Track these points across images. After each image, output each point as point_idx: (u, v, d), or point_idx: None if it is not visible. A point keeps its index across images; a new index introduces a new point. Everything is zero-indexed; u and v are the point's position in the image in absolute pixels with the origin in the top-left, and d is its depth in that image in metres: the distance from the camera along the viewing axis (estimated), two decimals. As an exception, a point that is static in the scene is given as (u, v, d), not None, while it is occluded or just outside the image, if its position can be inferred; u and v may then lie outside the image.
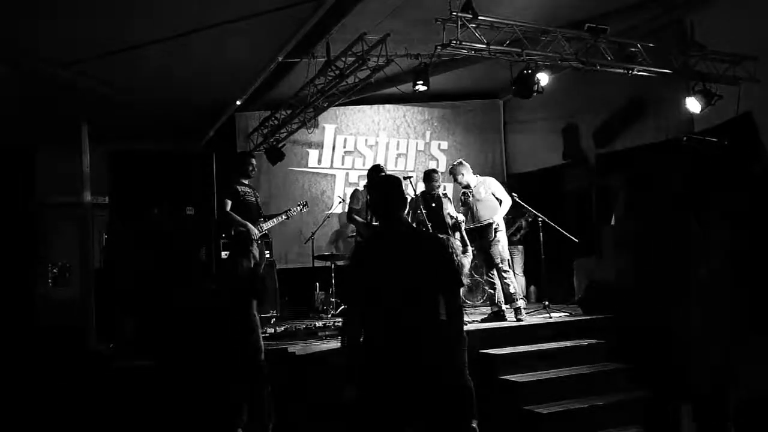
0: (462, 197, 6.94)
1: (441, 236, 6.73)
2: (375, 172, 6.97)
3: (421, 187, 7.39)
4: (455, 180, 6.99)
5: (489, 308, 6.84)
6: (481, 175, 7.20)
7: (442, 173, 7.89)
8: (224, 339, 4.89)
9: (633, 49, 6.43)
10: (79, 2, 6.03)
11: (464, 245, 6.66)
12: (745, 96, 6.69)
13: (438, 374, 2.87)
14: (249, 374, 4.83)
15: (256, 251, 6.47)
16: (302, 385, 5.19)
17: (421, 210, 7.07)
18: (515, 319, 6.50)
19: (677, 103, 7.24)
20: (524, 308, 7.32)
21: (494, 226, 6.63)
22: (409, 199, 7.23)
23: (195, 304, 5.40)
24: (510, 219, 7.95)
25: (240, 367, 4.82)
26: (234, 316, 4.92)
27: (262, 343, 5.05)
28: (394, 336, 2.87)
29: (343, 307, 6.72)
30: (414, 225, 6.82)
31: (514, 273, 8.02)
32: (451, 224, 6.91)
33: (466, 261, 6.56)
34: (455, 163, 7.08)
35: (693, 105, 6.79)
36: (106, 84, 7.72)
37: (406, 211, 6.96)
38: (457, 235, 6.86)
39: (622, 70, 6.48)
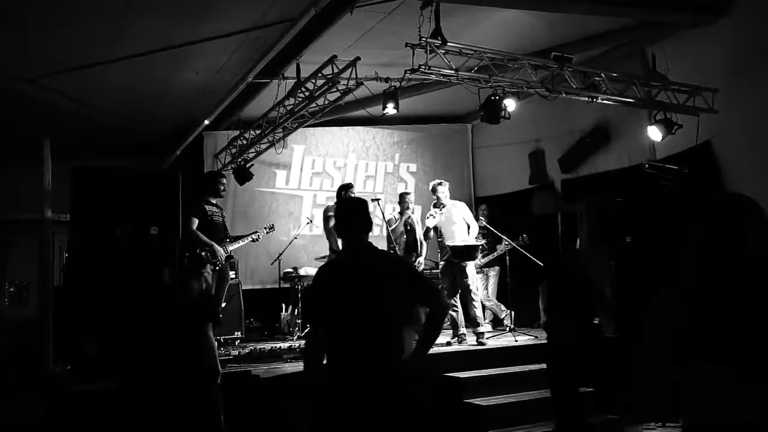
0: (431, 213, 6.93)
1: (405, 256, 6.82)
2: (344, 189, 6.96)
3: (389, 209, 7.38)
4: (435, 196, 6.93)
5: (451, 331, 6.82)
6: (451, 197, 7.24)
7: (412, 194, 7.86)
8: (174, 363, 4.71)
9: (597, 78, 6.58)
10: (43, 17, 5.96)
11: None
12: (705, 125, 6.90)
13: (403, 393, 2.86)
14: (201, 401, 4.68)
15: (209, 274, 6.32)
16: (265, 409, 5.10)
17: (393, 230, 7.09)
18: (476, 343, 6.52)
19: (640, 131, 7.44)
20: (489, 332, 7.36)
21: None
22: (382, 220, 7.26)
23: (143, 325, 5.21)
24: (488, 243, 7.99)
25: (192, 392, 4.66)
26: (183, 340, 4.76)
27: (219, 369, 4.91)
28: (358, 356, 2.86)
29: (307, 329, 6.65)
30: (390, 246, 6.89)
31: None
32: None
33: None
34: (438, 182, 7.03)
35: (654, 134, 6.98)
36: (70, 100, 7.61)
37: (384, 234, 7.01)
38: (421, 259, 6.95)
39: (586, 99, 6.62)
